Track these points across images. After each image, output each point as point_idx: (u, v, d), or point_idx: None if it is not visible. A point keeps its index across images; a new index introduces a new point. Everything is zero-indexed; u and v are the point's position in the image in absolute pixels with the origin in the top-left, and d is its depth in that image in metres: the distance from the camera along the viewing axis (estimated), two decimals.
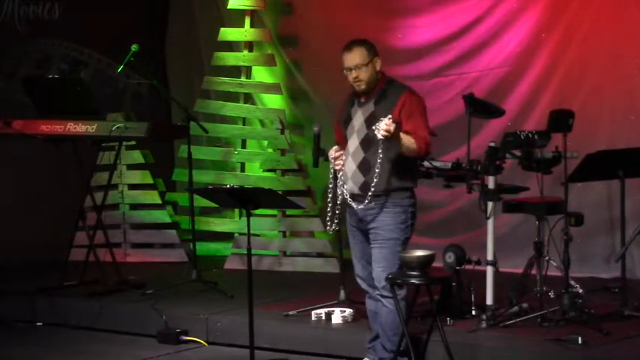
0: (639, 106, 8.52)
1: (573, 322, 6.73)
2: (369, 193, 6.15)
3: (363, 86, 6.28)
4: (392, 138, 5.96)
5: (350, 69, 6.28)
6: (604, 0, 8.61)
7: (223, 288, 8.20)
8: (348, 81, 6.34)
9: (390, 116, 5.96)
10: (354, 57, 6.27)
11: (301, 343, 7.16)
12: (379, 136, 5.96)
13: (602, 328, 6.57)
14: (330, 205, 6.34)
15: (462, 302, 7.10)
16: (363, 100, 6.34)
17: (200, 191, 8.55)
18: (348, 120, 6.39)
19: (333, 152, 6.33)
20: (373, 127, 5.99)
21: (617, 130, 8.55)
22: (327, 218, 6.37)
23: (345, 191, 6.27)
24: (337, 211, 6.31)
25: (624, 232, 7.11)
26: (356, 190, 6.26)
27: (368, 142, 6.21)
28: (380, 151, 6.08)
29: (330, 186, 6.34)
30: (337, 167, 6.30)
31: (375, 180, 6.13)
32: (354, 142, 6.30)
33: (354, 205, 6.23)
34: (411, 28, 9.48)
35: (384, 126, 5.91)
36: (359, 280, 6.48)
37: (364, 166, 6.23)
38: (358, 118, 6.31)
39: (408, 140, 6.09)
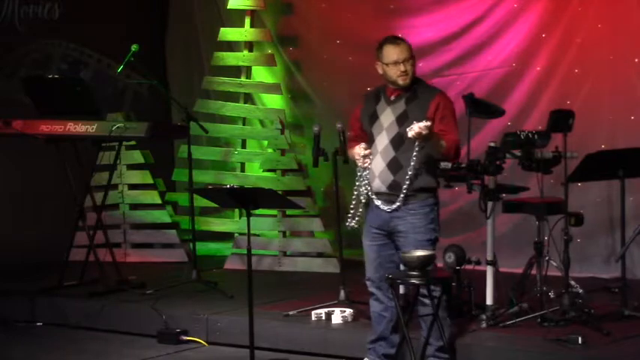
0: (639, 106, 8.52)
1: (573, 322, 6.73)
2: (401, 194, 6.13)
3: (408, 80, 6.24)
4: (422, 140, 5.98)
5: (399, 62, 6.22)
6: (604, 0, 8.62)
7: (223, 288, 8.20)
8: (390, 75, 6.24)
9: (429, 123, 5.94)
10: (404, 50, 6.25)
11: (301, 343, 7.16)
12: (409, 135, 5.96)
13: (602, 328, 6.56)
14: (353, 201, 6.28)
15: (462, 302, 7.10)
16: (392, 97, 6.29)
17: (200, 191, 8.55)
18: (374, 117, 6.33)
19: (361, 150, 6.22)
20: (408, 129, 5.97)
21: (617, 130, 8.56)
22: (349, 214, 6.31)
23: (370, 190, 6.23)
24: (360, 209, 6.28)
25: (624, 232, 7.10)
26: (383, 189, 6.22)
27: (399, 140, 6.17)
28: (415, 152, 6.07)
29: (357, 184, 6.26)
30: (365, 165, 6.22)
31: (406, 180, 6.11)
32: (383, 141, 6.25)
33: (380, 205, 6.20)
34: (411, 28, 9.48)
35: (417, 129, 5.90)
36: (368, 283, 6.40)
37: (394, 165, 6.19)
38: (388, 116, 6.26)
39: (439, 139, 6.10)
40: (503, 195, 7.26)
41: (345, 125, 7.47)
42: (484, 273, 7.01)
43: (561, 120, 6.88)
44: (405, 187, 6.13)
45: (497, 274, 7.05)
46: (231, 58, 10.19)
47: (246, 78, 10.16)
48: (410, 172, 6.11)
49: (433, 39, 9.37)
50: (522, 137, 6.86)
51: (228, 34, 10.21)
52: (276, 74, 10.25)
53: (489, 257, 6.99)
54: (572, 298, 6.86)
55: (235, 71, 10.21)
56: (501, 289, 7.10)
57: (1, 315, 8.18)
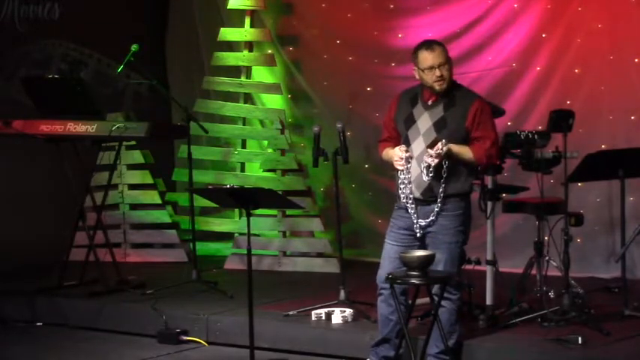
0: (639, 106, 8.53)
1: (573, 322, 6.74)
2: (437, 200, 6.11)
3: (444, 85, 6.18)
4: (444, 158, 6.00)
5: (434, 67, 6.15)
6: (604, 0, 8.62)
7: (223, 288, 8.20)
8: (426, 80, 6.18)
9: (442, 148, 5.95)
10: (439, 55, 6.17)
11: (301, 343, 7.15)
12: (428, 162, 5.98)
13: (602, 328, 6.57)
14: (412, 212, 6.18)
15: (462, 302, 7.10)
16: (430, 102, 6.24)
17: (200, 191, 8.56)
18: (410, 121, 6.26)
19: (402, 152, 6.13)
20: (425, 156, 5.99)
21: (617, 130, 8.56)
22: (415, 226, 6.20)
23: (406, 194, 6.18)
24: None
25: (624, 232, 7.11)
26: (417, 195, 6.17)
27: (435, 146, 6.10)
28: (445, 164, 6.06)
29: (402, 191, 6.18)
30: (400, 168, 6.15)
31: (441, 186, 6.09)
32: (419, 146, 6.18)
33: (414, 218, 6.16)
34: (411, 28, 9.49)
35: (430, 161, 5.95)
36: (381, 284, 6.30)
37: (429, 171, 6.14)
38: (425, 121, 6.21)
39: (463, 153, 6.11)
40: (503, 195, 7.26)
41: (344, 125, 7.49)
42: (484, 273, 7.01)
43: (561, 120, 6.88)
44: (440, 192, 6.10)
45: (497, 274, 7.05)
46: (231, 58, 10.19)
47: (246, 78, 10.16)
48: (444, 177, 6.08)
49: (433, 39, 9.36)
50: (522, 137, 6.87)
51: (228, 34, 10.20)
52: (276, 74, 10.25)
53: (489, 257, 7.00)
54: (572, 298, 6.86)
55: (235, 71, 10.21)
56: (501, 289, 7.11)
57: (1, 315, 8.19)
